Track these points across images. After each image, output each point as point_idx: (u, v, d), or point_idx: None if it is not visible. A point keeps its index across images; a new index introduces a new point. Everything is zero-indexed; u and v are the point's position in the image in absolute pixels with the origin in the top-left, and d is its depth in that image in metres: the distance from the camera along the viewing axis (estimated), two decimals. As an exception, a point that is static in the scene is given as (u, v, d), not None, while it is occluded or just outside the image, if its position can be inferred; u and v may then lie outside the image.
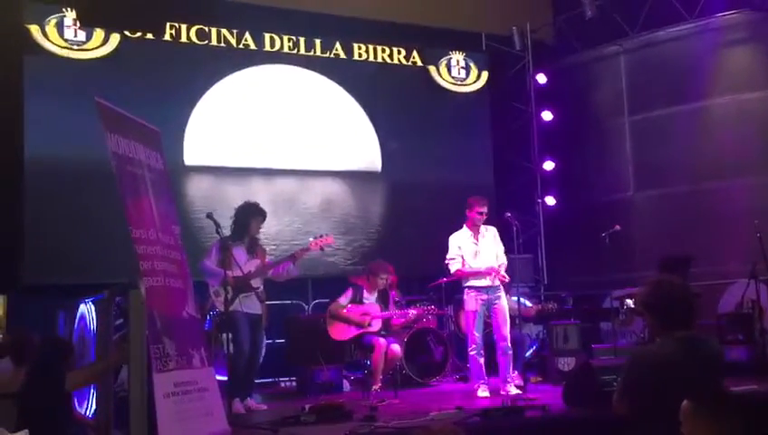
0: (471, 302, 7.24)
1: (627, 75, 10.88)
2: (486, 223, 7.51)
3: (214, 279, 6.68)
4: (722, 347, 3.70)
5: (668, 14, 10.24)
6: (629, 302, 8.02)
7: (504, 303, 7.27)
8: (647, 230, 10.19)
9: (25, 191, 8.42)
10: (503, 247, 7.49)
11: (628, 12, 10.53)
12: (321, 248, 7.35)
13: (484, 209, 7.35)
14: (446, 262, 7.43)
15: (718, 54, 10.18)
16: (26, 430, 3.71)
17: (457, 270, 7.35)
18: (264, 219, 7.13)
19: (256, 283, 6.85)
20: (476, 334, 7.17)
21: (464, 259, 7.33)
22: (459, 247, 7.36)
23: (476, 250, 7.32)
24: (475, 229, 7.38)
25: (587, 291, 9.93)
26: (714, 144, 10.01)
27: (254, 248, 7.03)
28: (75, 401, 5.89)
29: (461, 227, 7.49)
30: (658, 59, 10.50)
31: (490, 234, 7.40)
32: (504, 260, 7.40)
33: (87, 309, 6.40)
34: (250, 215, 7.02)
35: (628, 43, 10.79)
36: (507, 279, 7.34)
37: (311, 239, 7.38)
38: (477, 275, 7.24)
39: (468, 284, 7.31)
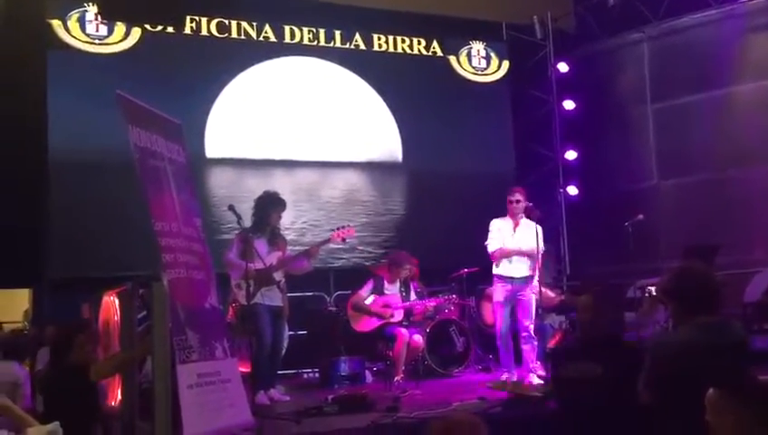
0: (497, 292, 7.32)
1: (650, 63, 10.77)
2: (506, 213, 7.52)
3: (236, 272, 6.69)
4: (746, 332, 3.65)
5: (692, 0, 10.12)
6: (651, 289, 7.95)
7: (531, 296, 7.25)
8: (671, 219, 10.09)
9: (49, 185, 8.50)
10: (542, 246, 7.44)
11: (650, -1, 10.43)
12: (343, 239, 7.35)
13: (514, 197, 7.38)
14: (486, 244, 7.44)
15: (743, 40, 10.04)
16: (57, 423, 3.74)
17: (495, 249, 7.34)
18: (284, 209, 7.12)
19: (278, 275, 6.85)
20: (501, 326, 7.20)
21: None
22: (499, 230, 7.40)
23: (510, 241, 7.33)
24: (513, 219, 7.40)
25: (610, 281, 9.84)
26: (738, 131, 9.88)
27: (276, 240, 7.02)
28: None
29: (481, 216, 7.58)
30: (682, 46, 10.38)
31: (530, 230, 7.33)
32: (538, 260, 7.41)
33: (111, 301, 6.44)
34: (270, 205, 7.01)
35: (651, 30, 10.68)
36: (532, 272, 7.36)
37: (332, 231, 7.39)
38: (517, 253, 7.28)
39: (497, 272, 7.34)
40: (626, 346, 4.52)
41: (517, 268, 7.33)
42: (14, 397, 5.03)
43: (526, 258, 7.33)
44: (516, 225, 7.40)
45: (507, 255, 7.30)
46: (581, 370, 4.21)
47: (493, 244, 7.39)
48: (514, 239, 7.36)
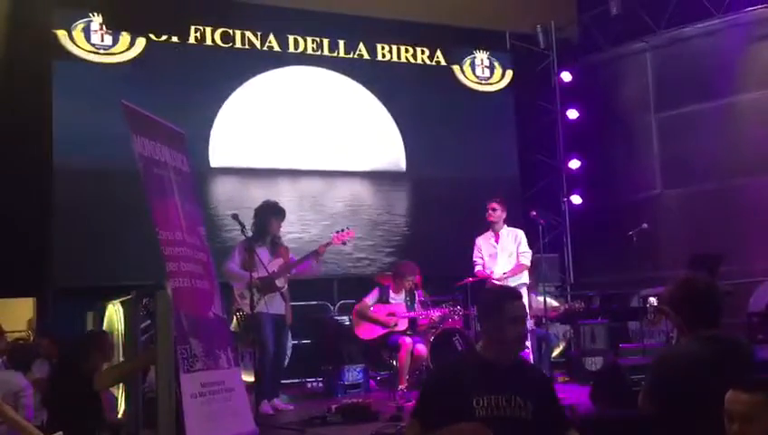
0: None
1: (653, 72, 10.78)
2: (513, 223, 7.69)
3: (239, 282, 6.70)
4: (751, 345, 3.62)
5: (695, 9, 10.14)
6: (653, 300, 7.96)
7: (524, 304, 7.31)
8: (675, 228, 10.09)
9: (54, 194, 8.52)
10: (525, 249, 7.58)
11: (653, 8, 10.44)
12: (344, 242, 7.37)
13: (491, 206, 7.64)
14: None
15: (746, 50, 10.05)
16: (60, 432, 3.74)
17: (478, 272, 7.73)
18: (284, 218, 7.16)
19: (281, 282, 6.86)
20: None
21: (484, 261, 7.69)
22: (480, 249, 7.72)
23: (494, 252, 7.64)
24: (494, 230, 7.66)
25: (614, 290, 9.84)
26: (742, 140, 9.88)
27: (276, 248, 7.04)
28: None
29: (485, 225, 7.73)
30: (685, 55, 10.39)
31: (510, 236, 7.55)
32: (524, 261, 7.56)
33: (115, 310, 6.45)
34: (270, 214, 7.04)
35: (655, 40, 10.69)
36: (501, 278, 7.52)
37: (333, 233, 7.40)
38: (491, 279, 7.53)
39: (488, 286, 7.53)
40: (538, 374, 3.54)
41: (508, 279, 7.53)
42: (15, 407, 5.03)
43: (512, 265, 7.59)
44: (497, 236, 7.63)
45: (487, 278, 7.58)
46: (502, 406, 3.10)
47: (476, 266, 7.76)
48: (498, 250, 7.63)
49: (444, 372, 3.57)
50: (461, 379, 3.17)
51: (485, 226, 7.81)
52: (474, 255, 7.77)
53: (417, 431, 3.20)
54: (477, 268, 7.75)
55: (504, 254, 7.60)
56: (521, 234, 7.70)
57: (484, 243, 7.73)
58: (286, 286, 6.95)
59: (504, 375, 3.16)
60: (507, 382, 3.13)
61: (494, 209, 7.62)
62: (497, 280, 7.51)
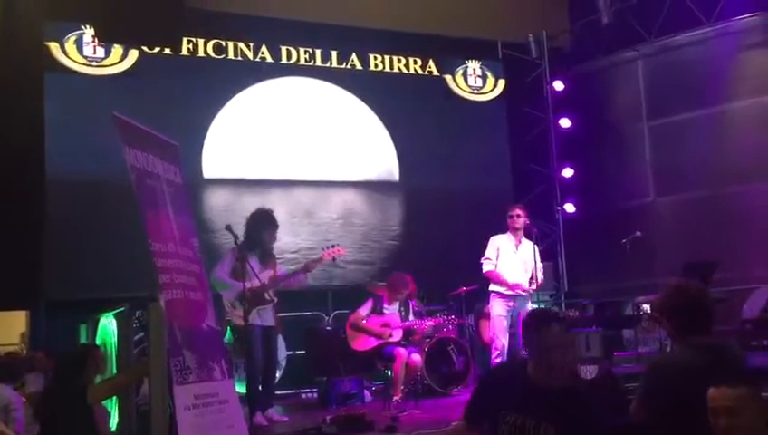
0: (497, 307, 7.38)
1: (645, 80, 10.83)
2: (506, 232, 7.63)
3: (229, 292, 6.66)
4: (742, 351, 3.62)
5: (686, 18, 10.18)
6: (646, 307, 7.97)
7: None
8: (668, 236, 10.10)
9: (47, 206, 8.50)
10: (541, 267, 7.53)
11: (645, 17, 10.49)
12: (333, 258, 7.34)
13: (515, 212, 7.49)
14: (481, 260, 7.54)
15: (737, 58, 10.10)
16: None
17: (489, 271, 7.48)
18: (277, 229, 7.10)
19: (271, 294, 6.83)
20: (501, 341, 7.25)
21: (497, 262, 7.45)
22: (497, 249, 7.49)
23: (513, 258, 7.45)
24: (515, 235, 7.50)
25: (608, 298, 9.85)
26: (734, 148, 9.92)
27: (266, 258, 7.00)
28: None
29: (478, 234, 7.64)
30: (677, 63, 10.44)
31: (529, 248, 7.52)
32: (541, 276, 7.51)
33: (108, 323, 6.43)
34: (263, 226, 6.97)
35: (646, 48, 10.74)
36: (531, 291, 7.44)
37: (322, 250, 7.38)
38: (504, 285, 7.37)
39: (496, 289, 7.42)
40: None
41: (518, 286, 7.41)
42: (6, 421, 5.01)
43: (526, 275, 7.43)
44: (519, 242, 7.51)
45: (496, 281, 7.40)
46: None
47: (487, 264, 7.50)
48: (517, 257, 7.46)
49: (493, 375, 3.71)
50: (502, 388, 3.21)
51: (482, 233, 7.70)
52: (486, 252, 7.49)
53: (461, 427, 3.37)
54: (489, 268, 7.45)
55: (522, 264, 7.45)
56: (536, 249, 7.62)
57: (504, 244, 7.49)
58: (276, 299, 6.91)
59: (542, 399, 3.06)
60: (541, 407, 3.04)
61: (518, 215, 7.43)
62: (521, 286, 7.38)
